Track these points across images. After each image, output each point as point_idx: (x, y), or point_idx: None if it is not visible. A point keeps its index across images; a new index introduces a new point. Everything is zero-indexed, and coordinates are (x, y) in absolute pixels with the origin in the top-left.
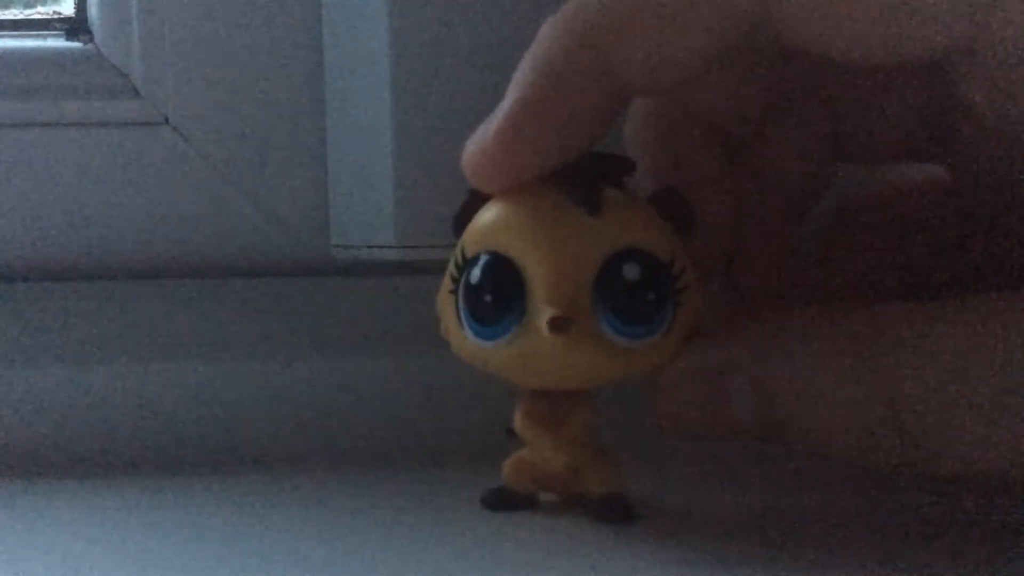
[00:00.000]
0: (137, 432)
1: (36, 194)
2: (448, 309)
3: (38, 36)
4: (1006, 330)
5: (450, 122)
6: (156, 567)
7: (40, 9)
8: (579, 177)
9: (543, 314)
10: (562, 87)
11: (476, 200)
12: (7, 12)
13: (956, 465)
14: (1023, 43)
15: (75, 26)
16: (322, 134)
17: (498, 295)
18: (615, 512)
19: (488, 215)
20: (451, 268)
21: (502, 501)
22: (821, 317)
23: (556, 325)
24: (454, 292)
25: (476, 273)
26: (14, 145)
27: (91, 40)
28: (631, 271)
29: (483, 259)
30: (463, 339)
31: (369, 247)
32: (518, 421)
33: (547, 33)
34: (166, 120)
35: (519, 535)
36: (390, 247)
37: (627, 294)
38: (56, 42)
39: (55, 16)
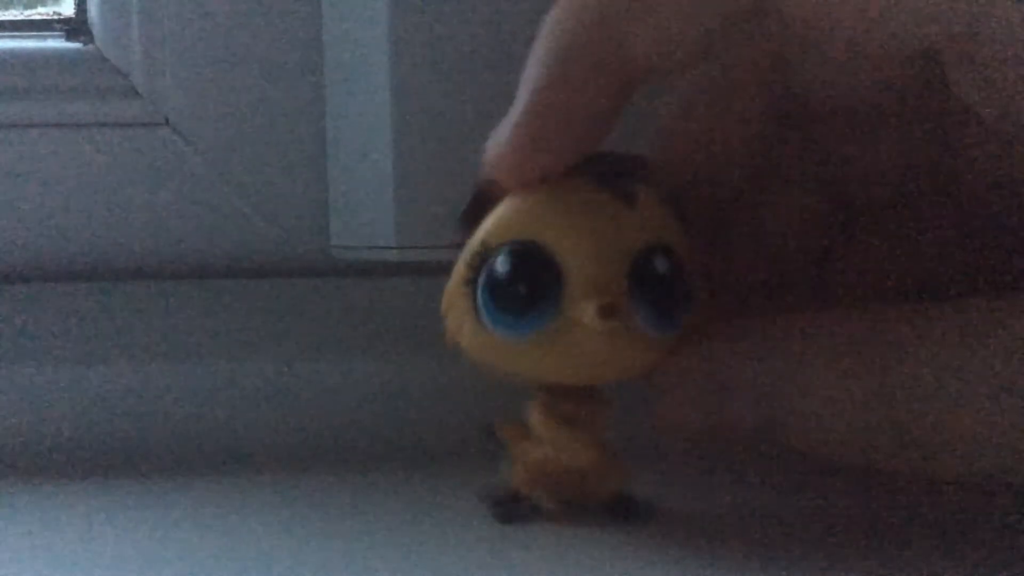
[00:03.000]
0: (137, 432)
1: (36, 194)
2: (460, 306)
3: (38, 37)
4: (1004, 332)
5: (450, 122)
6: (156, 567)
7: (40, 10)
8: (611, 171)
9: (585, 304)
10: (578, 71)
11: (484, 197)
12: (7, 13)
13: (954, 466)
14: (1021, 38)
15: (75, 27)
16: (322, 134)
17: (533, 284)
18: (629, 511)
19: (512, 207)
20: (467, 259)
21: (511, 511)
22: (820, 318)
23: (605, 312)
24: (470, 284)
25: (504, 263)
26: (14, 145)
27: (91, 41)
28: (663, 264)
29: (511, 249)
30: (480, 336)
31: (369, 247)
32: (537, 420)
33: (555, 20)
34: (166, 120)
35: (519, 536)
36: (390, 248)
37: (660, 287)
38: (56, 43)
39: (55, 17)
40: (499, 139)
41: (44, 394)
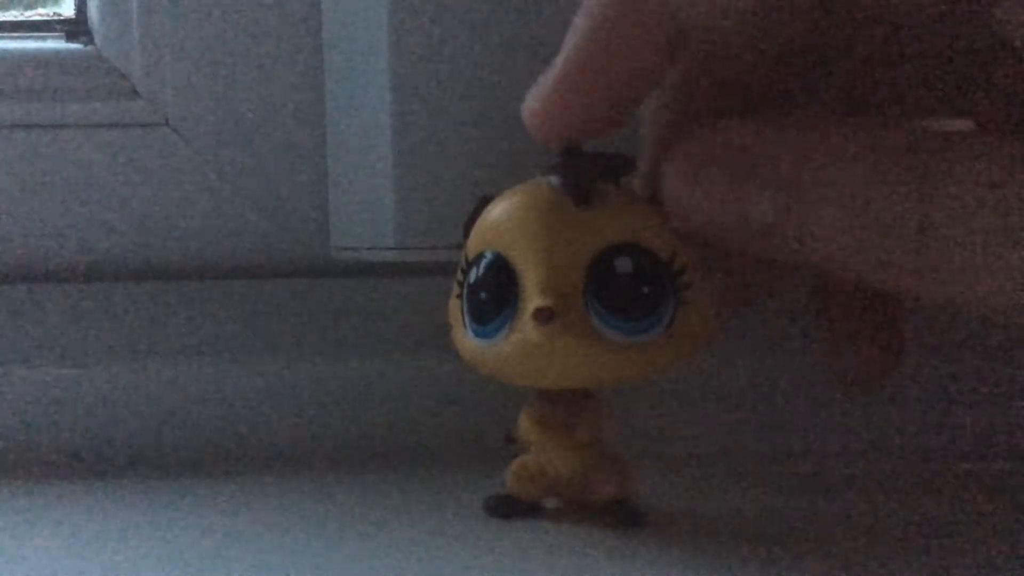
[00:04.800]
0: (137, 432)
1: (36, 194)
2: (455, 314)
3: (38, 38)
4: None
5: (450, 122)
6: (156, 567)
7: (40, 11)
8: (573, 171)
9: (530, 308)
10: (620, 27)
11: (484, 205)
12: (7, 14)
13: (969, 295)
14: None
15: (75, 27)
16: (322, 134)
17: (493, 293)
18: (623, 517)
19: (487, 217)
20: (458, 273)
21: (506, 508)
22: (858, 128)
23: (539, 316)
24: (460, 296)
25: (474, 273)
26: (15, 146)
27: (91, 41)
28: (623, 264)
29: (481, 259)
30: (469, 344)
31: (369, 248)
32: (526, 426)
33: None
34: (166, 121)
35: (520, 538)
36: (390, 248)
37: (618, 288)
38: (56, 43)
39: (55, 17)
40: (537, 93)
41: (44, 394)
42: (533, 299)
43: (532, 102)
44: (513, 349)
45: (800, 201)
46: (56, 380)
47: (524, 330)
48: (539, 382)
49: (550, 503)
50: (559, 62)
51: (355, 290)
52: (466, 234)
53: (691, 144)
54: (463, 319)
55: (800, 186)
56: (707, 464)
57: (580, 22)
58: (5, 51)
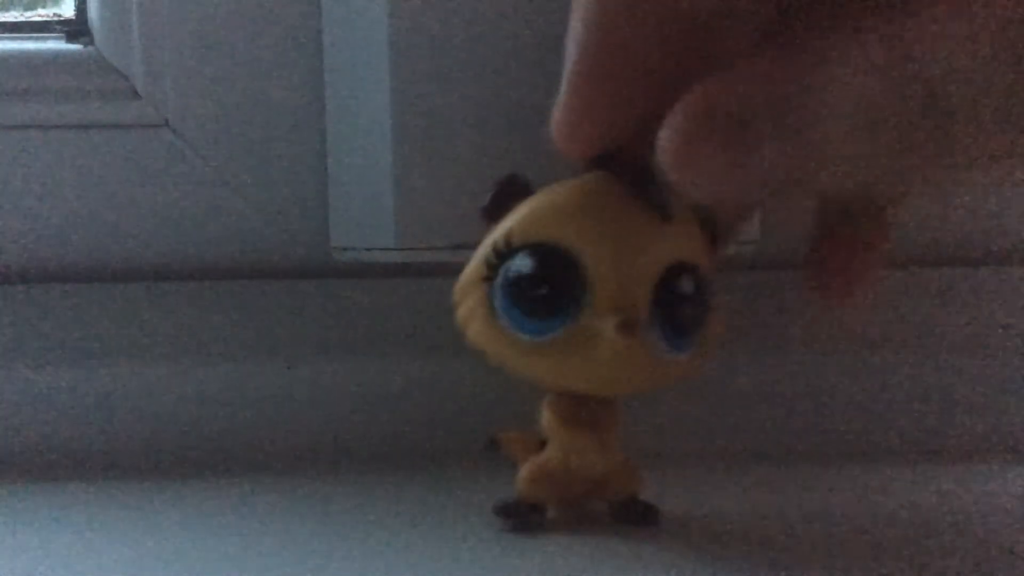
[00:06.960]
0: (137, 432)
1: (36, 195)
2: (474, 297)
3: (39, 38)
4: None
5: (450, 122)
6: (156, 567)
7: (40, 11)
8: (651, 179)
9: (606, 317)
10: (624, 25)
11: (510, 188)
12: (7, 14)
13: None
14: None
15: (75, 28)
16: (322, 134)
17: (556, 288)
18: (641, 514)
19: (542, 204)
20: (487, 255)
21: (519, 514)
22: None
23: (624, 328)
24: (489, 279)
25: (527, 263)
26: (15, 146)
27: (91, 42)
28: (687, 284)
29: (541, 249)
30: (491, 330)
31: (369, 248)
32: (551, 424)
33: None
34: (166, 122)
35: (521, 537)
36: (390, 249)
37: (683, 307)
38: (56, 44)
39: (55, 18)
40: (558, 108)
41: (44, 394)
42: (611, 307)
43: (556, 118)
44: (570, 352)
45: (812, 125)
46: (56, 380)
47: (591, 336)
48: (587, 388)
49: (554, 508)
50: (566, 73)
51: (355, 290)
52: (489, 214)
53: (688, 104)
54: (490, 304)
55: (810, 114)
56: (708, 464)
57: (578, 28)
58: (5, 51)
